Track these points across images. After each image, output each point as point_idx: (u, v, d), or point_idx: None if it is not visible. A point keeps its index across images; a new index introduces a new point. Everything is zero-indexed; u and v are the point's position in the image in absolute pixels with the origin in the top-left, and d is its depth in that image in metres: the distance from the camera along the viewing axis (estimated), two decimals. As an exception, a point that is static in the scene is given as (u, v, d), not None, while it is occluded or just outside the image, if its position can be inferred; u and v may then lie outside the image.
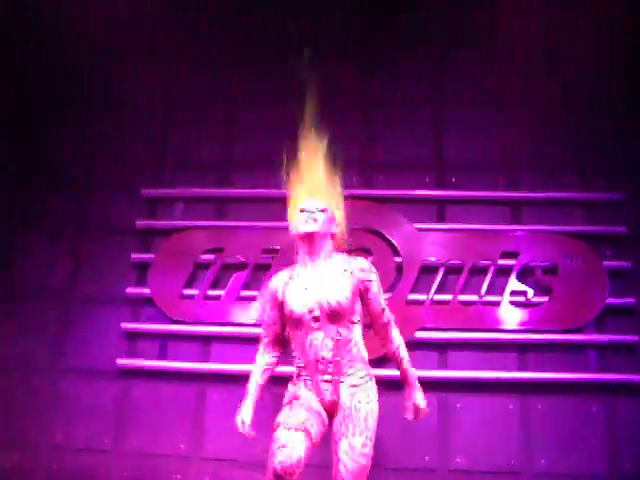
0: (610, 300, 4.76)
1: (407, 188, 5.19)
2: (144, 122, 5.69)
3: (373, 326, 3.34)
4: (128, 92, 5.74)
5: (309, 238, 3.27)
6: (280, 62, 5.69)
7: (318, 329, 3.14)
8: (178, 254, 5.15)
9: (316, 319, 3.14)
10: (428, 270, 4.91)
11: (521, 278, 4.84)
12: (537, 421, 4.62)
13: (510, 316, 4.77)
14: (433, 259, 4.93)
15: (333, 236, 3.40)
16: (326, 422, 3.18)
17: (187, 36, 5.73)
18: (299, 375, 3.25)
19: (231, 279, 5.00)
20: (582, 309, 4.77)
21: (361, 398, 3.13)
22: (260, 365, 3.38)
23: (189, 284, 5.08)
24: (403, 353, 3.30)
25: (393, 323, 3.32)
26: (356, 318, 3.22)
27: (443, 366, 4.76)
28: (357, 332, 3.23)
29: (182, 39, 5.74)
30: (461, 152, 5.32)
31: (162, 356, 5.00)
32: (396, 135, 5.31)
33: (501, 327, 4.77)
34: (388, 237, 5.02)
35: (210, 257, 5.10)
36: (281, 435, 2.99)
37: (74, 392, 5.00)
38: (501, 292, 4.80)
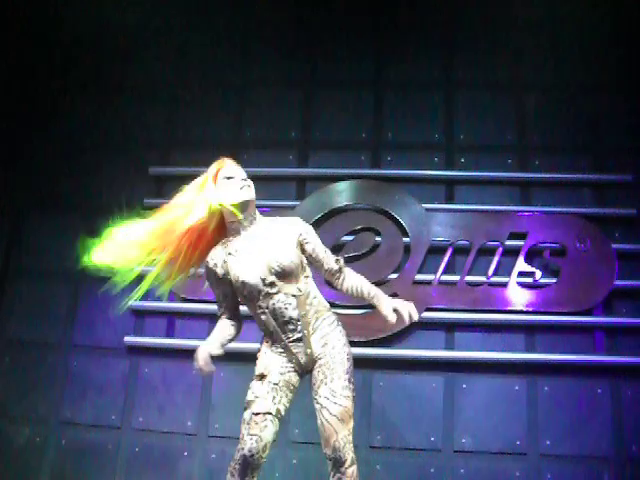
0: (619, 282, 4.74)
1: (416, 168, 5.17)
2: (153, 101, 5.69)
3: (326, 277, 3.32)
4: (138, 71, 5.74)
5: (244, 206, 3.15)
6: (292, 43, 5.71)
7: (277, 292, 3.08)
8: (186, 232, 5.14)
9: (272, 284, 3.07)
10: (436, 250, 4.90)
11: (529, 259, 4.83)
12: (543, 402, 4.63)
13: (517, 297, 4.76)
14: (441, 239, 4.91)
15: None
16: (297, 384, 3.17)
17: (199, 15, 5.72)
18: (267, 343, 3.21)
19: (239, 257, 5.00)
20: (590, 291, 4.75)
21: (334, 344, 3.11)
22: (222, 323, 3.31)
23: (197, 262, 5.08)
24: (363, 284, 3.24)
25: (347, 269, 3.27)
26: (308, 271, 3.21)
27: (450, 346, 4.77)
28: (312, 284, 3.21)
29: (195, 18, 5.73)
30: (470, 132, 5.29)
31: (169, 334, 5.03)
32: (405, 115, 5.29)
33: (508, 308, 4.76)
34: (396, 217, 5.01)
35: (218, 235, 5.10)
36: (250, 421, 3.00)
37: (83, 369, 5.05)
38: (509, 273, 4.79)
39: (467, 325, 4.79)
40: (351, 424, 3.04)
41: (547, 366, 4.68)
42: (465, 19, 5.55)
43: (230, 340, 3.29)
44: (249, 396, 3.09)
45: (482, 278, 4.79)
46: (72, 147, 5.62)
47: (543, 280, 4.78)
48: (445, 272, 4.83)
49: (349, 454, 3.00)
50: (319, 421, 3.03)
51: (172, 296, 5.01)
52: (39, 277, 5.33)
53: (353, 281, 3.25)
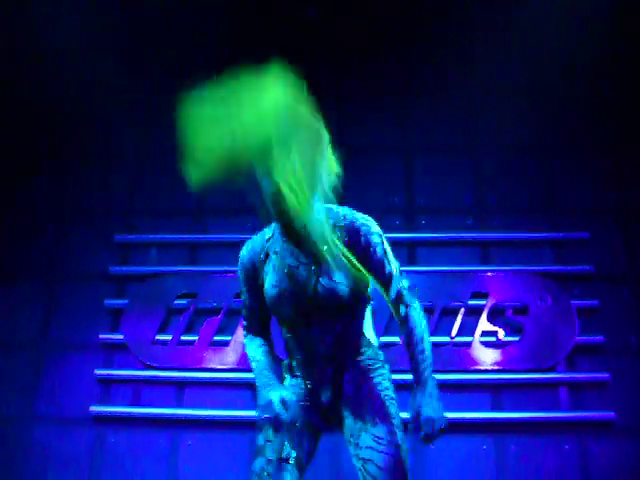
0: (580, 338, 4.82)
1: (377, 231, 5.25)
2: (117, 168, 5.73)
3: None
4: (100, 139, 5.77)
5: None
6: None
7: (310, 325, 2.34)
8: (151, 300, 5.15)
9: (308, 315, 2.33)
10: (400, 312, 4.92)
11: (492, 318, 4.89)
12: (512, 461, 4.63)
13: (482, 356, 4.81)
14: (404, 301, 4.94)
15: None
16: (320, 430, 2.44)
17: (162, 81, 5.78)
18: (291, 368, 2.49)
19: (204, 324, 5.01)
20: (553, 348, 4.82)
21: (373, 384, 2.40)
22: (257, 345, 2.51)
23: (162, 329, 5.07)
24: (418, 338, 2.36)
25: (409, 298, 2.35)
26: (361, 301, 2.42)
27: (417, 407, 4.77)
28: (362, 316, 2.46)
29: (158, 85, 5.79)
30: (430, 194, 5.41)
31: (136, 402, 4.97)
32: (365, 180, 5.37)
33: (473, 368, 4.80)
34: (360, 280, 5.05)
35: (183, 302, 5.11)
36: (261, 472, 2.23)
37: (47, 440, 4.93)
38: (472, 333, 4.84)
39: (433, 385, 4.80)
40: None
41: (514, 424, 4.70)
42: (422, 84, 5.69)
43: (273, 356, 2.53)
44: (260, 440, 2.32)
45: (446, 338, 4.84)
46: (36, 216, 5.60)
47: (507, 338, 4.84)
48: (409, 333, 4.86)
49: None
50: None
51: (138, 364, 4.99)
52: (1, 347, 5.24)
53: (408, 331, 2.34)
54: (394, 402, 2.41)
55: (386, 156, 5.54)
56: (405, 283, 2.36)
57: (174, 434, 4.84)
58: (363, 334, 2.48)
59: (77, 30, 5.37)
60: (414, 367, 2.34)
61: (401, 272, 2.39)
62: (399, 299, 2.33)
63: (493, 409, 4.75)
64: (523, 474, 4.60)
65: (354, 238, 2.34)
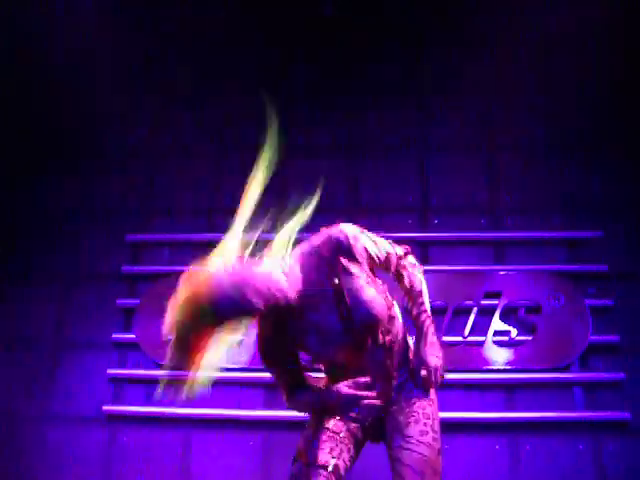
0: (594, 337, 4.79)
1: (390, 231, 5.22)
2: (129, 168, 5.73)
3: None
4: (113, 138, 5.79)
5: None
6: (264, 110, 5.79)
7: (361, 353, 2.36)
8: (164, 299, 5.11)
9: (359, 345, 2.34)
10: (413, 311, 4.92)
11: (505, 318, 4.87)
12: (526, 461, 4.61)
13: (495, 356, 4.79)
14: (417, 300, 4.94)
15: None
16: (363, 442, 2.50)
17: (173, 83, 5.79)
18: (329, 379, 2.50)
19: (216, 323, 4.99)
20: (566, 347, 4.79)
21: (411, 387, 2.47)
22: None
23: (175, 329, 5.06)
24: (416, 292, 2.46)
25: (404, 263, 2.49)
26: (392, 304, 2.48)
27: (429, 407, 4.76)
28: (398, 318, 2.53)
29: (168, 86, 5.81)
30: (443, 193, 5.38)
31: (148, 402, 4.98)
32: (379, 179, 5.37)
33: (486, 367, 4.78)
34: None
35: (195, 302, 5.10)
36: (299, 476, 2.31)
37: (60, 439, 4.96)
38: (485, 332, 4.82)
39: (446, 385, 4.77)
40: None
41: (528, 424, 4.68)
42: (437, 83, 5.68)
43: None
44: (301, 444, 2.41)
45: (459, 338, 4.82)
46: (48, 215, 5.63)
47: (520, 338, 4.81)
48: (422, 333, 4.85)
49: None
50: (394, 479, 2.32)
51: (150, 364, 5.00)
52: (15, 347, 5.27)
53: (407, 289, 2.48)
54: (432, 403, 2.49)
55: (400, 155, 5.52)
56: (399, 251, 2.50)
57: (187, 433, 4.85)
58: (404, 336, 2.57)
59: (86, 29, 5.38)
60: (415, 320, 2.47)
61: (390, 243, 2.48)
62: (398, 269, 2.47)
63: (506, 409, 4.73)
64: (537, 474, 4.57)
65: (347, 252, 2.32)
